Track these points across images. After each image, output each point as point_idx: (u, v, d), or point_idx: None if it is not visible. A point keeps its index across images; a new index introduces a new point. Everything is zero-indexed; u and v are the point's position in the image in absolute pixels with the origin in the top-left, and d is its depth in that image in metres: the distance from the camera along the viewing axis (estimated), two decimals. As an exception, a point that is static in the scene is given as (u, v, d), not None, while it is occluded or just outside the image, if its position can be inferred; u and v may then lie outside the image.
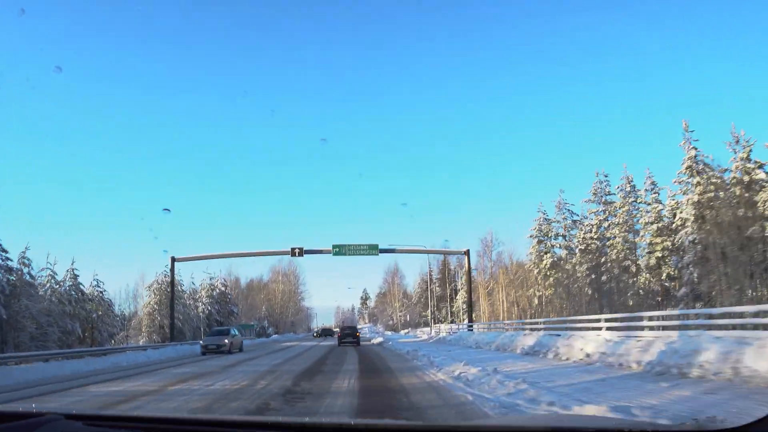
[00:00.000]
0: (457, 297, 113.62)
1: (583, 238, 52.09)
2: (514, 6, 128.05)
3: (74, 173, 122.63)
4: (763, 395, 8.22)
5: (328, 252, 47.39)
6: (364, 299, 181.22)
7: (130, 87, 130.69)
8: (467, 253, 48.10)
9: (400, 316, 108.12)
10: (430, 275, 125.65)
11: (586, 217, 53.87)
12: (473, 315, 68.56)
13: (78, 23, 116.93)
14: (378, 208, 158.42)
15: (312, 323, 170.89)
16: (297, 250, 46.32)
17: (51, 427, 2.11)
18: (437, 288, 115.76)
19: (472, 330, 40.35)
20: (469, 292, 48.85)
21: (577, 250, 53.54)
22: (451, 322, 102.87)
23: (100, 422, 2.39)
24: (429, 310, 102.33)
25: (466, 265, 48.34)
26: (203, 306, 65.97)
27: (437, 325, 71.02)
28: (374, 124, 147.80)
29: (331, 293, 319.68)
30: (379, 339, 47.93)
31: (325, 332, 76.83)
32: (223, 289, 70.27)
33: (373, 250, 48.49)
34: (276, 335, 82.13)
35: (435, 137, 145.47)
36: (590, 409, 6.84)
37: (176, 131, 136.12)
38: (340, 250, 47.20)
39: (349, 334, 40.89)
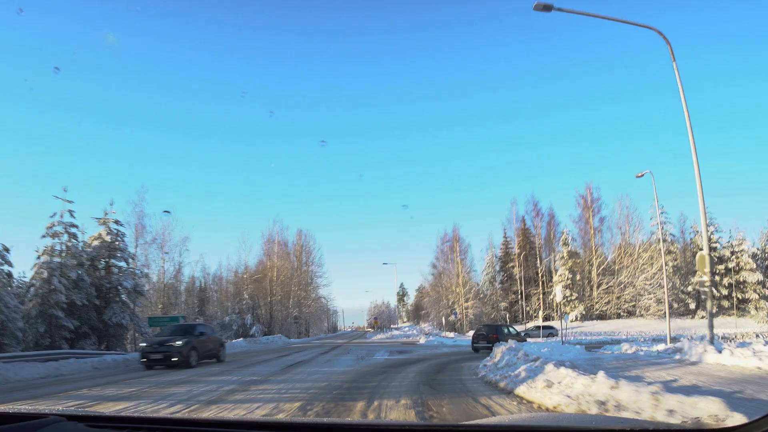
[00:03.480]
0: (554, 279, 74.29)
1: None
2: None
3: (74, 175, 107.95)
4: None
5: None
6: (401, 295, 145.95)
7: (128, 87, 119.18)
8: None
9: (466, 308, 68.49)
10: (506, 243, 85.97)
11: None
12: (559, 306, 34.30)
13: (75, 23, 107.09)
14: (379, 211, 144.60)
15: (339, 322, 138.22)
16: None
17: (53, 428, 2.05)
18: (515, 269, 76.68)
19: None
20: None
21: None
22: (545, 318, 65.48)
23: (101, 423, 2.37)
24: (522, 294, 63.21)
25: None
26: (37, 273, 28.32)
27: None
28: (375, 124, 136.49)
29: (357, 290, 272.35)
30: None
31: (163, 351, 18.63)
32: (108, 240, 32.09)
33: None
34: (246, 340, 43.97)
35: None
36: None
37: (175, 131, 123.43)
38: None
39: (482, 336, 27.64)
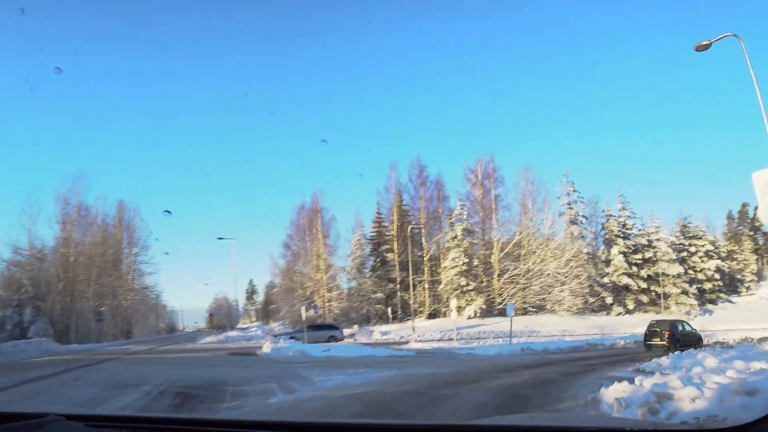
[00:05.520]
0: (445, 264, 58.04)
1: None
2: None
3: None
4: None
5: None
6: (251, 293, 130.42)
7: (127, 88, 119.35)
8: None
9: (329, 300, 50.29)
10: (380, 220, 67.75)
11: None
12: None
13: (75, 23, 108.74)
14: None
15: (180, 322, 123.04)
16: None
17: (52, 428, 2.07)
18: (392, 253, 60.28)
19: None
20: None
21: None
22: (431, 314, 50.21)
23: (100, 422, 2.37)
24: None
25: None
26: None
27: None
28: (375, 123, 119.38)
29: (202, 290, 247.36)
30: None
31: None
32: None
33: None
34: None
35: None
36: None
37: (175, 131, 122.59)
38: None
39: (656, 333, 25.26)
